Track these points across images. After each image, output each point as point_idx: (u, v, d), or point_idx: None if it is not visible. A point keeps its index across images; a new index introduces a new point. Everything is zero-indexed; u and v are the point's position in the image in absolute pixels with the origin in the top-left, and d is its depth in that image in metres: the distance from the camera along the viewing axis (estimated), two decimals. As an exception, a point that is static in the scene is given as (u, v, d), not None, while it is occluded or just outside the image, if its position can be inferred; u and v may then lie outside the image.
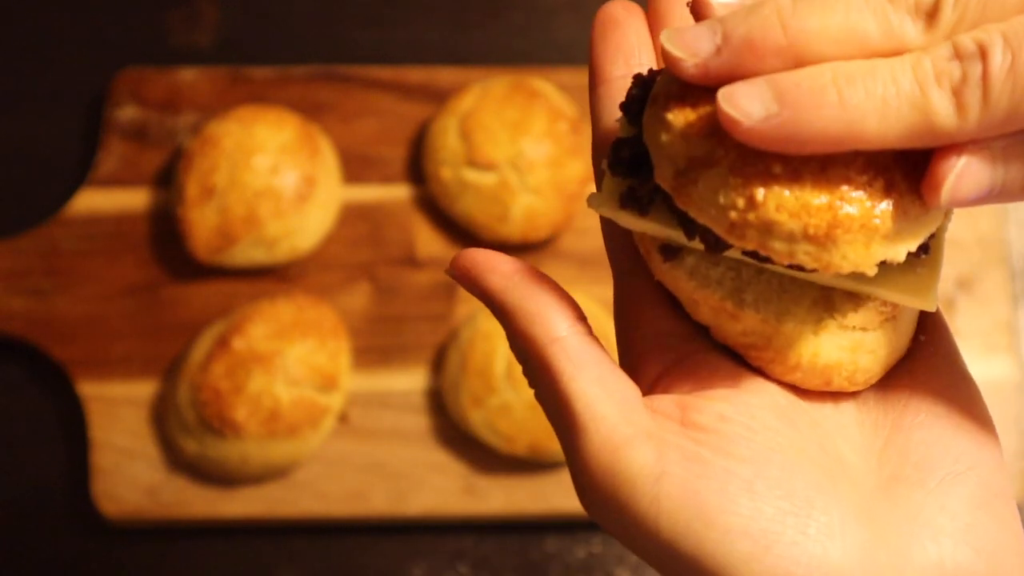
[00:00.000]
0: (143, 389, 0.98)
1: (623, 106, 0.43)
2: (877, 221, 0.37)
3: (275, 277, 1.00)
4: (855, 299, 0.42)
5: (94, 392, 0.98)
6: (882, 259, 0.38)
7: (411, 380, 0.99)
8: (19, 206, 1.04)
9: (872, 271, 0.38)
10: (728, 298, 0.41)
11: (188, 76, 1.05)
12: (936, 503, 0.40)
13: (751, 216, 0.37)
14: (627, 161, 0.42)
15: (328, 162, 1.01)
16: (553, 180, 0.99)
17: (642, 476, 0.39)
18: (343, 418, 0.97)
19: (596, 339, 0.42)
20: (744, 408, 0.41)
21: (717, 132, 0.38)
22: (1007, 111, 0.35)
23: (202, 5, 1.10)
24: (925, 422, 0.42)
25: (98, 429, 0.96)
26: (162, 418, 0.97)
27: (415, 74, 1.05)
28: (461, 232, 1.01)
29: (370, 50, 1.09)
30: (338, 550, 0.97)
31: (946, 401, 0.43)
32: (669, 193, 0.39)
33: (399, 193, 1.03)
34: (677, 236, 0.41)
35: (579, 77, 1.03)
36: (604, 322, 0.91)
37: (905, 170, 0.38)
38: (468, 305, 1.00)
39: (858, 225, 0.37)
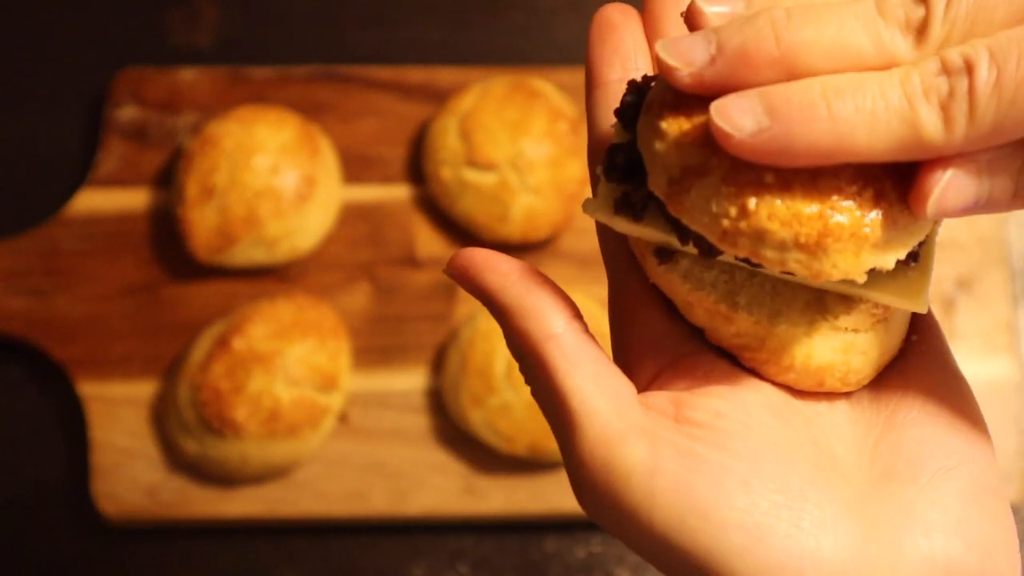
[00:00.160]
0: (143, 389, 0.98)
1: (618, 112, 0.44)
2: (867, 230, 0.38)
3: (275, 277, 1.01)
4: (847, 301, 0.43)
5: (94, 392, 0.98)
6: (872, 267, 0.38)
7: (411, 380, 0.99)
8: (19, 206, 1.04)
9: (862, 279, 0.39)
10: (722, 300, 0.42)
11: (188, 76, 1.05)
12: (928, 498, 0.41)
13: (743, 224, 0.38)
14: (622, 167, 0.42)
15: (328, 162, 1.01)
16: (553, 180, 0.99)
17: (637, 471, 0.39)
18: (343, 418, 0.97)
19: (592, 336, 0.43)
20: (739, 405, 0.41)
21: (710, 141, 0.38)
22: (992, 125, 0.36)
23: (202, 5, 1.10)
24: (917, 419, 0.43)
25: (98, 429, 0.97)
26: (162, 418, 0.97)
27: (415, 74, 1.05)
28: (461, 232, 1.01)
29: (370, 50, 1.09)
30: (338, 550, 0.98)
31: (938, 399, 0.43)
32: (663, 200, 0.40)
33: (399, 193, 1.03)
34: (671, 241, 0.42)
35: (579, 77, 1.03)
36: (603, 322, 0.90)
37: (895, 180, 0.38)
38: (468, 305, 1.00)
39: (848, 234, 0.38)
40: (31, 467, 0.99)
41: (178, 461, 0.96)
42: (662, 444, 0.39)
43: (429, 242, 1.02)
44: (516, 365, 0.44)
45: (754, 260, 0.39)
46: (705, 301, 0.42)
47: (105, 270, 1.01)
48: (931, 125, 0.36)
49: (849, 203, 0.38)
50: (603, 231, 0.46)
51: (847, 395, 0.44)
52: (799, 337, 0.42)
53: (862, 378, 0.44)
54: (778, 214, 0.37)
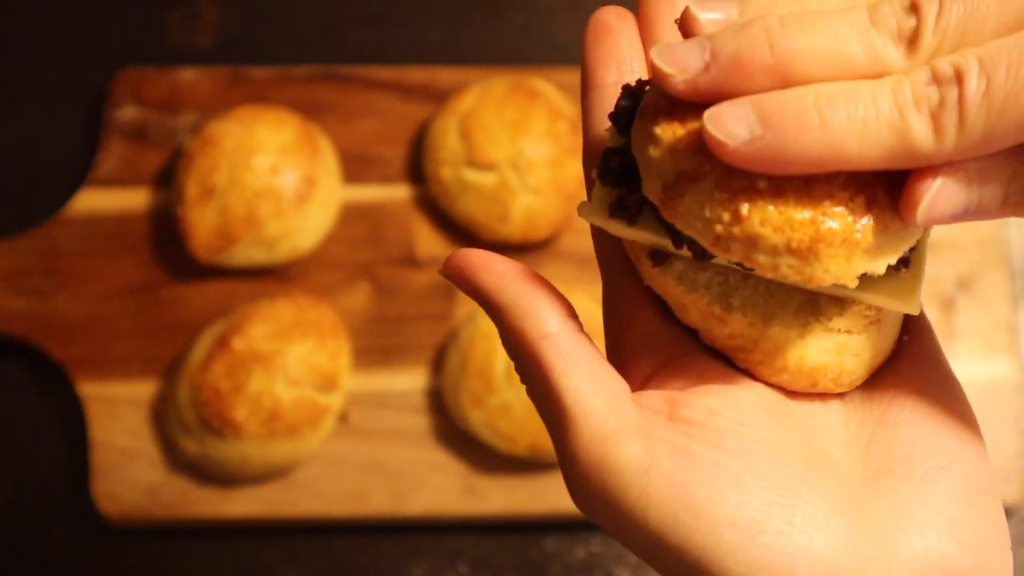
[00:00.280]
0: (143, 389, 0.98)
1: (612, 116, 0.44)
2: (858, 235, 0.38)
3: (275, 277, 1.01)
4: (840, 303, 0.43)
5: (94, 392, 0.98)
6: (863, 272, 0.39)
7: (411, 380, 0.99)
8: (19, 206, 1.04)
9: (853, 284, 0.39)
10: (716, 302, 0.42)
11: (188, 76, 1.05)
12: (920, 496, 0.41)
13: (736, 230, 0.38)
14: (616, 171, 0.43)
15: (328, 162, 1.01)
16: (553, 180, 0.99)
17: (630, 469, 0.39)
18: (343, 418, 0.97)
19: (587, 336, 0.43)
20: (732, 403, 0.41)
21: (704, 147, 0.38)
22: (982, 134, 0.36)
23: (202, 5, 1.10)
24: (909, 418, 0.43)
25: (98, 429, 0.97)
26: (162, 418, 0.97)
27: (415, 74, 1.05)
28: (461, 232, 1.01)
29: (370, 50, 1.09)
30: (338, 550, 0.98)
31: (930, 399, 0.44)
32: (657, 205, 0.40)
33: (399, 193, 1.03)
34: (665, 244, 0.42)
35: (579, 77, 1.02)
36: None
37: (886, 186, 0.39)
38: (468, 305, 1.00)
39: (840, 239, 0.38)
40: (31, 467, 0.99)
41: (178, 461, 0.96)
42: (656, 442, 0.40)
43: (429, 242, 1.02)
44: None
45: (747, 265, 0.39)
46: (699, 303, 0.43)
47: (105, 270, 1.01)
48: (921, 135, 0.37)
49: (841, 209, 0.38)
50: (597, 233, 0.47)
51: (840, 395, 0.44)
52: (793, 338, 0.42)
53: (855, 379, 0.44)
54: (771, 220, 0.38)
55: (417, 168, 1.03)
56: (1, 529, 0.98)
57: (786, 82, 0.37)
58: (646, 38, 0.47)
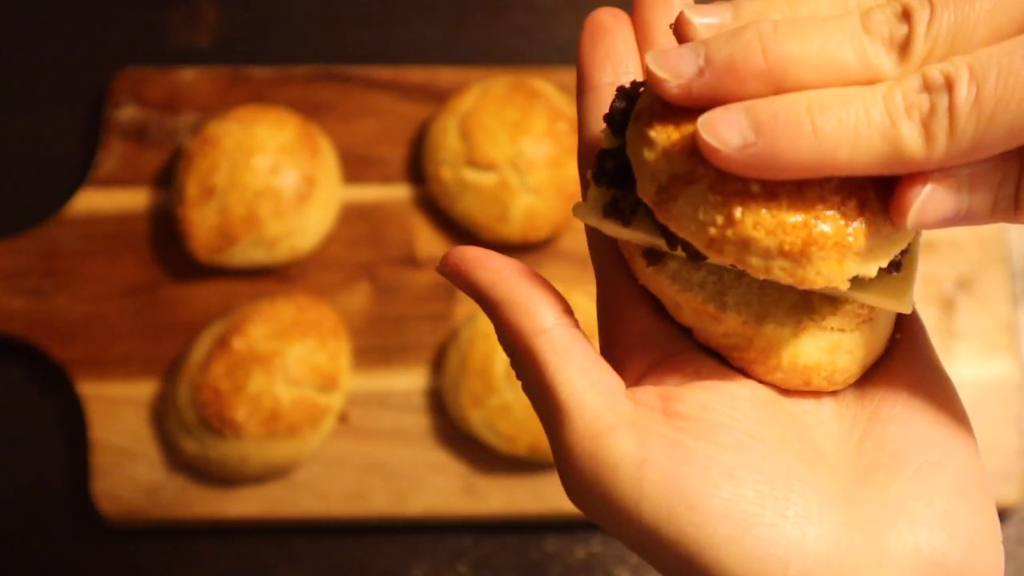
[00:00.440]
0: (143, 389, 0.98)
1: (607, 118, 0.44)
2: (850, 239, 0.39)
3: (275, 277, 1.01)
4: (833, 302, 0.43)
5: (94, 392, 0.98)
6: (854, 275, 0.39)
7: (411, 380, 0.99)
8: (19, 206, 1.04)
9: (845, 286, 0.39)
10: (710, 301, 0.43)
11: (188, 76, 1.05)
12: (912, 491, 0.41)
13: (729, 233, 0.39)
14: (611, 172, 0.43)
15: (328, 162, 1.01)
16: (553, 180, 0.99)
17: (625, 463, 0.40)
18: (343, 418, 0.97)
19: (582, 332, 0.43)
20: (726, 399, 0.42)
21: (698, 151, 0.39)
22: (972, 141, 0.37)
23: (202, 5, 1.10)
24: (902, 415, 0.43)
25: (98, 429, 0.97)
26: (162, 418, 0.97)
27: (415, 74, 1.05)
28: (461, 232, 1.01)
29: (370, 50, 1.09)
30: (338, 550, 0.98)
31: (922, 395, 0.44)
32: (651, 207, 0.41)
33: (399, 193, 1.03)
34: (659, 244, 0.42)
35: (579, 77, 1.03)
36: (602, 322, 0.91)
37: (878, 190, 0.39)
38: (468, 305, 1.00)
39: (832, 243, 0.38)
40: (31, 467, 0.99)
41: (178, 461, 0.96)
42: (650, 436, 0.40)
43: (429, 242, 1.02)
44: (516, 364, 0.45)
45: (740, 267, 0.39)
46: (693, 302, 0.43)
47: (105, 270, 1.01)
48: (912, 142, 0.37)
49: (833, 213, 0.38)
50: (592, 233, 0.48)
51: (833, 393, 0.45)
52: (786, 337, 0.43)
53: (848, 377, 0.44)
54: (763, 223, 0.38)
55: (417, 168, 1.03)
56: (1, 529, 0.98)
57: (779, 87, 0.38)
58: (641, 40, 0.48)
